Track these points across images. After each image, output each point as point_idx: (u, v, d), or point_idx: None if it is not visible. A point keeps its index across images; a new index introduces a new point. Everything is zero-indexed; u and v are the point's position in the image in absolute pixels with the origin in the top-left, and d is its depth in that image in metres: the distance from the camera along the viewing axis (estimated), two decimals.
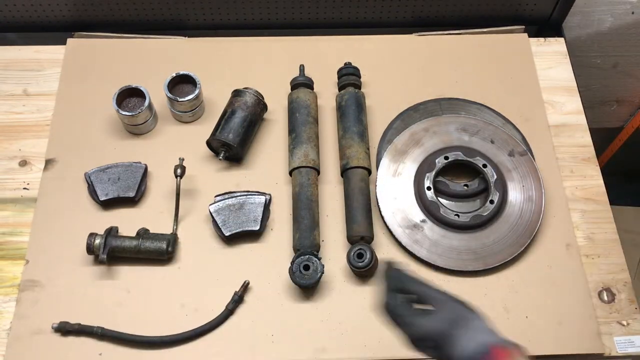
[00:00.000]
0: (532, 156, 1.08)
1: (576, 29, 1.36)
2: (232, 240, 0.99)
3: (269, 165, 1.08)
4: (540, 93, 1.18)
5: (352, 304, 0.96)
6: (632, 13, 1.33)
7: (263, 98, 1.07)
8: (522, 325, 0.95)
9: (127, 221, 1.00)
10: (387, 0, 1.23)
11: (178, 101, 1.07)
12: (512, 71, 1.21)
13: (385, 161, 1.06)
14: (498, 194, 1.02)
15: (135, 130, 1.09)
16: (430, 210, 1.01)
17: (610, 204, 1.08)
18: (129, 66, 1.18)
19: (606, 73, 1.51)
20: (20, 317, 0.93)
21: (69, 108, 1.13)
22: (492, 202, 1.01)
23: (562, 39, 1.26)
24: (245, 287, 0.95)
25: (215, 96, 1.13)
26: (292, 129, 1.06)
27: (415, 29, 1.26)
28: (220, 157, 1.04)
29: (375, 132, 1.12)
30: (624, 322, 0.96)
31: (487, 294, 0.98)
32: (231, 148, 1.03)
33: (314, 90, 1.12)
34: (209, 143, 1.06)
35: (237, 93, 1.07)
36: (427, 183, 1.03)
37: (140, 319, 0.93)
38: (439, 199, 1.03)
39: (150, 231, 0.98)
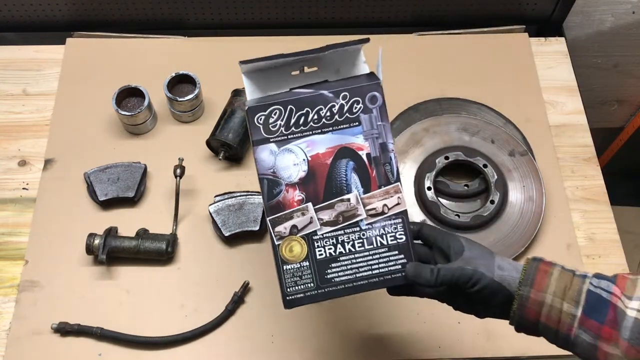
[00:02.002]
0: (533, 156, 1.08)
1: (577, 29, 1.36)
2: (232, 240, 0.99)
3: None
4: (541, 93, 1.18)
5: (352, 304, 0.96)
6: (633, 13, 1.33)
7: None
8: None
9: (127, 221, 0.99)
10: (387, 0, 1.23)
11: (178, 101, 1.07)
12: (513, 71, 1.20)
13: None
14: (498, 194, 1.02)
15: (135, 130, 1.09)
16: (430, 211, 1.01)
17: (611, 204, 1.08)
18: (128, 66, 1.18)
19: (607, 73, 1.50)
20: (19, 317, 0.93)
21: (69, 108, 1.12)
22: (492, 202, 1.01)
23: (562, 39, 1.26)
24: (245, 287, 0.95)
25: (215, 96, 1.13)
26: None
27: (415, 29, 1.26)
28: (220, 157, 1.04)
29: None
30: None
31: None
32: (231, 148, 1.03)
33: None
34: (208, 143, 1.06)
35: (237, 93, 1.07)
36: (428, 183, 1.02)
37: (139, 319, 0.93)
38: (440, 199, 1.03)
39: (150, 231, 0.98)
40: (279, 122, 0.65)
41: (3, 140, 1.09)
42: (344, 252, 0.66)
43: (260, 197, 0.99)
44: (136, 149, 1.08)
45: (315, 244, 0.66)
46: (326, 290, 0.66)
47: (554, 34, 1.27)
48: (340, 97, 0.66)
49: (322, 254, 0.66)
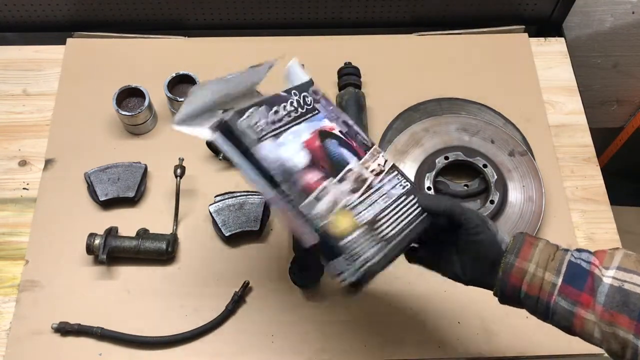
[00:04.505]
0: (533, 156, 1.08)
1: (576, 29, 1.36)
2: (232, 240, 0.99)
3: None
4: (541, 93, 1.18)
5: (352, 304, 0.96)
6: (633, 13, 1.33)
7: None
8: (522, 326, 0.95)
9: (127, 221, 1.00)
10: (387, 0, 1.23)
11: (178, 101, 1.07)
12: (512, 71, 1.20)
13: None
14: (498, 194, 1.02)
15: (135, 130, 1.09)
16: None
17: (611, 204, 1.08)
18: (129, 66, 1.18)
19: (606, 73, 1.51)
20: (19, 317, 0.93)
21: (69, 108, 1.13)
22: (492, 202, 1.01)
23: (562, 39, 1.26)
24: (245, 287, 0.95)
25: None
26: None
27: (415, 29, 1.26)
28: (220, 157, 1.04)
29: (375, 132, 1.12)
30: None
31: (487, 294, 0.98)
32: None
33: None
34: (208, 143, 1.06)
35: None
36: (428, 183, 1.02)
37: (140, 319, 0.93)
38: None
39: (150, 231, 0.98)
40: (261, 121, 0.67)
41: (3, 140, 1.10)
42: (378, 210, 0.68)
43: (260, 196, 1.00)
44: (136, 149, 1.08)
45: (354, 212, 0.66)
46: (387, 248, 0.66)
47: (553, 34, 1.27)
48: (292, 94, 0.72)
49: (364, 218, 0.66)
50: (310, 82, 0.75)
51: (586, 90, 1.43)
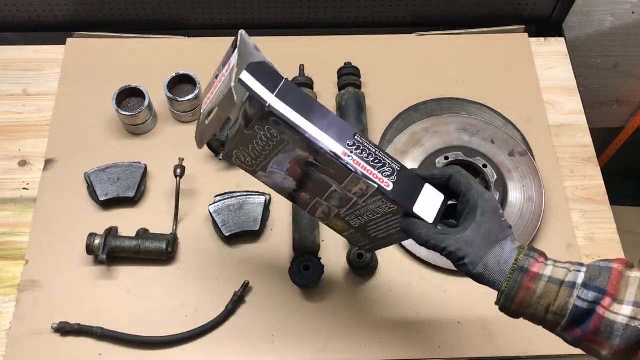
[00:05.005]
0: (533, 156, 1.08)
1: (576, 29, 1.36)
2: (232, 240, 0.99)
3: None
4: (541, 93, 1.18)
5: (352, 304, 0.96)
6: (633, 13, 1.33)
7: None
8: (522, 326, 0.94)
9: (127, 221, 1.00)
10: (387, 0, 1.23)
11: (178, 101, 1.07)
12: (512, 71, 1.20)
13: None
14: (498, 194, 1.02)
15: (135, 130, 1.09)
16: None
17: (611, 204, 1.08)
18: (129, 66, 1.18)
19: (606, 73, 1.51)
20: (19, 317, 0.93)
21: (69, 108, 1.13)
22: None
23: (562, 39, 1.26)
24: (245, 287, 0.95)
25: None
26: None
27: (415, 29, 1.26)
28: (220, 157, 1.04)
29: (375, 132, 1.12)
30: None
31: (487, 294, 0.97)
32: None
33: (314, 90, 1.12)
34: (209, 143, 1.06)
35: None
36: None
37: (140, 319, 0.93)
38: None
39: (150, 231, 0.98)
40: (247, 159, 0.72)
41: (3, 140, 1.10)
42: (367, 220, 0.72)
43: (260, 197, 1.00)
44: (136, 149, 1.08)
45: (347, 219, 0.74)
46: (378, 243, 0.76)
47: (553, 34, 1.27)
48: (256, 130, 0.65)
49: (355, 224, 0.74)
50: (267, 115, 0.62)
51: (586, 90, 1.43)
